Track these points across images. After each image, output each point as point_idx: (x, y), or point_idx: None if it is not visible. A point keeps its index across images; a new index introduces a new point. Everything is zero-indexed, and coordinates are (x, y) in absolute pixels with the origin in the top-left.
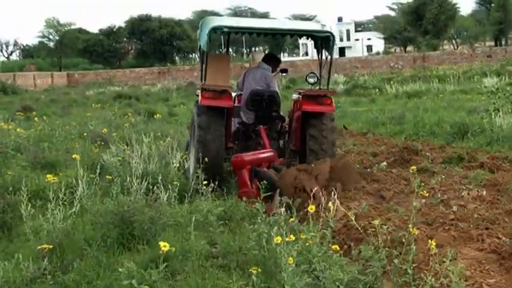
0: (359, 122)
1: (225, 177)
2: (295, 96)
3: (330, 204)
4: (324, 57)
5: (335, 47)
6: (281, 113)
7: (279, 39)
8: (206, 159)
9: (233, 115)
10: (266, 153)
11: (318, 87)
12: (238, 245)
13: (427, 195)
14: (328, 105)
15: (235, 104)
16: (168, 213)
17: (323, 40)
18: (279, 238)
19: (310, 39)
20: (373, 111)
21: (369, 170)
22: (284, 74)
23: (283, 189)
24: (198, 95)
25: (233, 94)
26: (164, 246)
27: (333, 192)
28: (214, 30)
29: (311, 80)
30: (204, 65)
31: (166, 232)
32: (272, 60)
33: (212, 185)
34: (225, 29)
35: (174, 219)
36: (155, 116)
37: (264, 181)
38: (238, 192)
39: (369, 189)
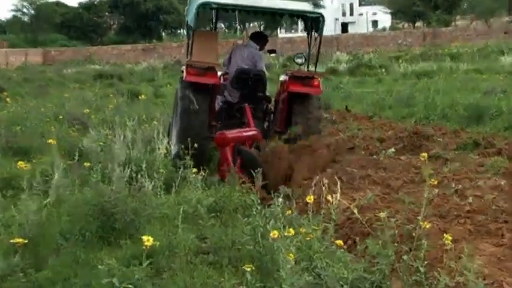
0: (364, 104)
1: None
2: (282, 77)
3: (327, 194)
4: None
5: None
6: (267, 94)
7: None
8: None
9: (217, 93)
10: (250, 132)
11: (306, 68)
12: (231, 239)
13: (439, 184)
14: (315, 87)
15: (221, 82)
16: (153, 204)
17: (313, 21)
18: (276, 232)
19: (300, 19)
20: (379, 92)
21: (375, 157)
22: (273, 55)
23: (266, 169)
24: (183, 71)
25: (219, 73)
26: (148, 240)
27: (335, 181)
28: (203, 6)
29: (299, 61)
30: (190, 42)
31: (151, 225)
32: (260, 38)
33: (200, 173)
34: (214, 6)
35: (159, 211)
36: (140, 98)
37: (246, 159)
38: (219, 169)
39: (376, 178)
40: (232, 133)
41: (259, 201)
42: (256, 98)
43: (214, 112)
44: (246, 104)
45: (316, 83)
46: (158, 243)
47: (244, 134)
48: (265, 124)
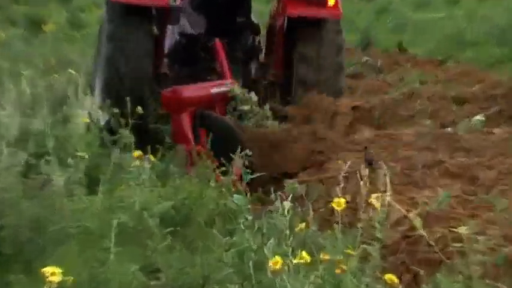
0: (430, 41)
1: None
2: None
3: (374, 197)
4: None
5: None
6: (253, 20)
7: None
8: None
9: (169, 21)
10: (223, 86)
11: None
12: (201, 274)
13: None
14: (330, 8)
15: (173, 3)
16: (66, 212)
17: None
18: (280, 260)
19: None
20: (456, 19)
21: (449, 129)
22: None
23: (250, 147)
24: None
25: None
26: (54, 274)
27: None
28: None
29: None
30: None
31: (62, 248)
32: None
33: (147, 157)
34: None
35: (77, 224)
36: (45, 29)
37: (217, 132)
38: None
39: (452, 166)
40: (190, 89)
41: (248, 206)
42: (234, 27)
43: (162, 52)
44: (217, 39)
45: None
46: (72, 278)
47: (213, 89)
48: (252, 69)
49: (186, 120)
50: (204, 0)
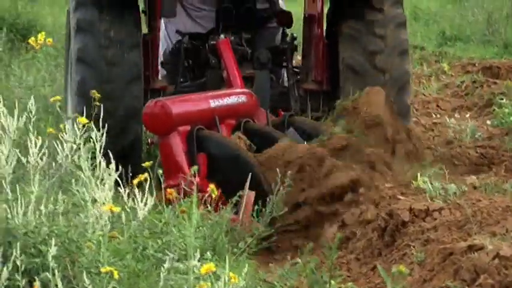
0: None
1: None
2: None
3: None
4: None
5: None
6: (282, 5)
7: None
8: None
9: (163, 12)
10: (228, 97)
11: None
12: None
13: None
14: None
15: None
16: None
17: None
18: None
19: None
20: None
21: None
22: None
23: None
24: None
25: None
26: None
27: None
28: None
29: None
30: None
31: None
32: None
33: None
34: None
35: None
36: (32, 43)
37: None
38: (164, 185)
39: None
40: (182, 102)
41: None
42: (255, 18)
43: (156, 59)
44: (223, 36)
45: None
46: None
47: (214, 103)
48: (283, 76)
49: (177, 143)
50: None
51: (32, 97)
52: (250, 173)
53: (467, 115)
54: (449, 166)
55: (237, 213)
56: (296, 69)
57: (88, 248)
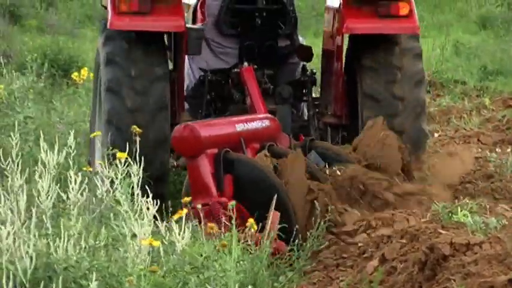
0: None
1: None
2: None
3: None
4: None
5: None
6: (301, 41)
7: None
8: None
9: (189, 50)
10: (252, 122)
11: None
12: None
13: None
14: (405, 19)
15: (193, 26)
16: None
17: None
18: None
19: None
20: None
21: None
22: None
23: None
24: (105, 7)
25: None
26: None
27: None
28: None
29: None
30: None
31: None
32: None
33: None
34: None
35: None
36: (75, 78)
37: (246, 179)
38: (192, 205)
39: None
40: (209, 126)
41: None
42: (273, 50)
43: (182, 93)
44: (246, 64)
45: (404, 8)
46: None
47: (240, 127)
48: (303, 108)
49: (205, 165)
50: (235, 20)
51: (72, 132)
52: (276, 194)
53: (508, 149)
54: (490, 200)
55: (261, 231)
56: (316, 102)
57: (129, 283)
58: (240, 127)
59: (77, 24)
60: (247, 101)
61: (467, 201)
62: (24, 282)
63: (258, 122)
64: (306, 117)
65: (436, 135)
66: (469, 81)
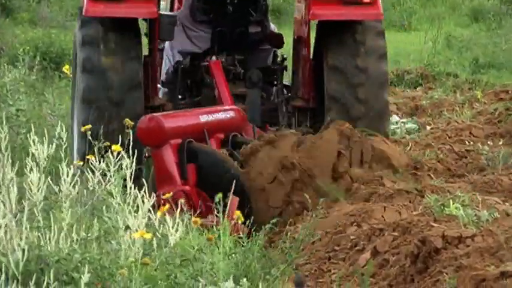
0: None
1: None
2: None
3: None
4: None
5: None
6: (272, 29)
7: None
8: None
9: (161, 35)
10: (217, 113)
11: None
12: None
13: None
14: (367, 7)
15: (166, 12)
16: None
17: None
18: None
19: None
20: None
21: None
22: None
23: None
24: None
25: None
26: None
27: None
28: None
29: None
30: None
31: None
32: None
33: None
34: None
35: None
36: (66, 71)
37: (208, 168)
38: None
39: None
40: (173, 117)
41: None
42: (248, 39)
43: (156, 80)
44: (214, 57)
45: None
46: None
47: (204, 118)
48: (274, 94)
49: (169, 155)
50: (207, 7)
51: (63, 125)
52: (235, 182)
53: (500, 142)
54: (482, 193)
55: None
56: (286, 87)
57: (120, 275)
58: (204, 118)
59: (69, 17)
60: (216, 92)
61: (460, 194)
62: (16, 275)
63: (223, 113)
64: (273, 100)
65: (428, 128)
66: (461, 74)
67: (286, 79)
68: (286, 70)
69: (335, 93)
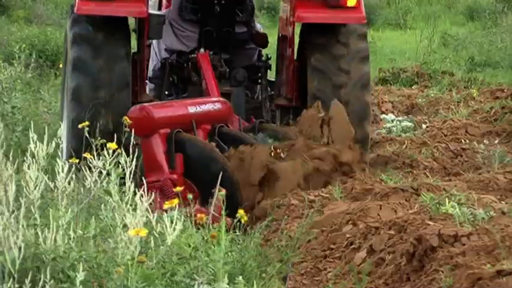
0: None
1: None
2: None
3: None
4: None
5: None
6: (258, 29)
7: None
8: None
9: (150, 34)
10: (205, 105)
11: None
12: None
13: None
14: (350, 10)
15: (154, 12)
16: None
17: None
18: None
19: None
20: None
21: None
22: None
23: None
24: None
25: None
26: None
27: None
28: None
29: None
30: None
31: None
32: None
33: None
34: None
35: None
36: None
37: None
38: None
39: None
40: (163, 107)
41: None
42: (234, 39)
43: (144, 75)
44: (202, 50)
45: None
46: None
47: (192, 109)
48: (258, 92)
49: (157, 144)
50: (196, 7)
51: (60, 123)
52: (222, 172)
53: (496, 141)
54: (478, 191)
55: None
56: (270, 84)
57: (117, 273)
58: (192, 109)
59: (64, 14)
60: (203, 84)
61: (455, 192)
62: (13, 273)
63: (210, 104)
64: (257, 98)
65: (424, 126)
66: (456, 73)
67: (271, 76)
68: (270, 69)
69: (317, 93)
